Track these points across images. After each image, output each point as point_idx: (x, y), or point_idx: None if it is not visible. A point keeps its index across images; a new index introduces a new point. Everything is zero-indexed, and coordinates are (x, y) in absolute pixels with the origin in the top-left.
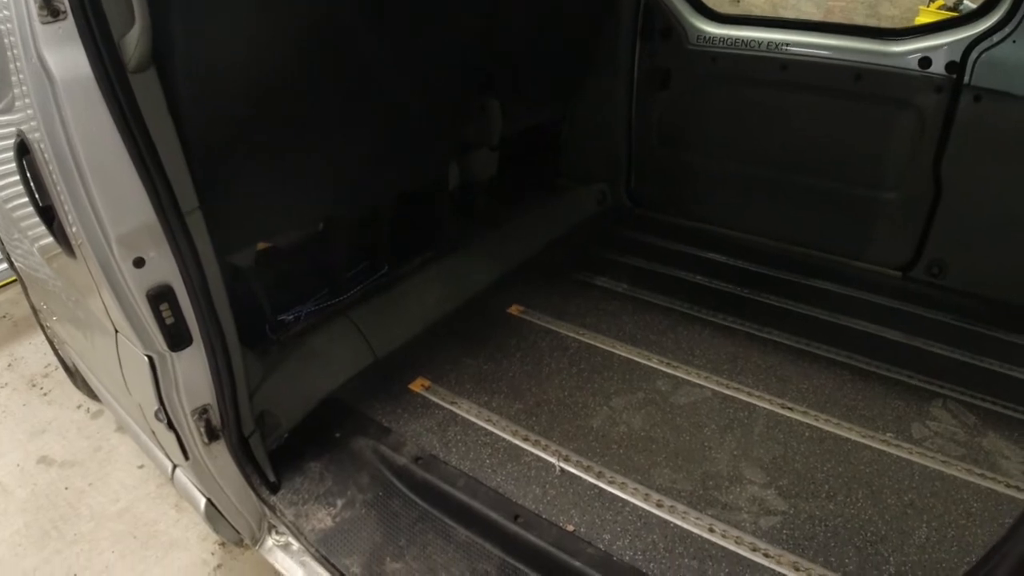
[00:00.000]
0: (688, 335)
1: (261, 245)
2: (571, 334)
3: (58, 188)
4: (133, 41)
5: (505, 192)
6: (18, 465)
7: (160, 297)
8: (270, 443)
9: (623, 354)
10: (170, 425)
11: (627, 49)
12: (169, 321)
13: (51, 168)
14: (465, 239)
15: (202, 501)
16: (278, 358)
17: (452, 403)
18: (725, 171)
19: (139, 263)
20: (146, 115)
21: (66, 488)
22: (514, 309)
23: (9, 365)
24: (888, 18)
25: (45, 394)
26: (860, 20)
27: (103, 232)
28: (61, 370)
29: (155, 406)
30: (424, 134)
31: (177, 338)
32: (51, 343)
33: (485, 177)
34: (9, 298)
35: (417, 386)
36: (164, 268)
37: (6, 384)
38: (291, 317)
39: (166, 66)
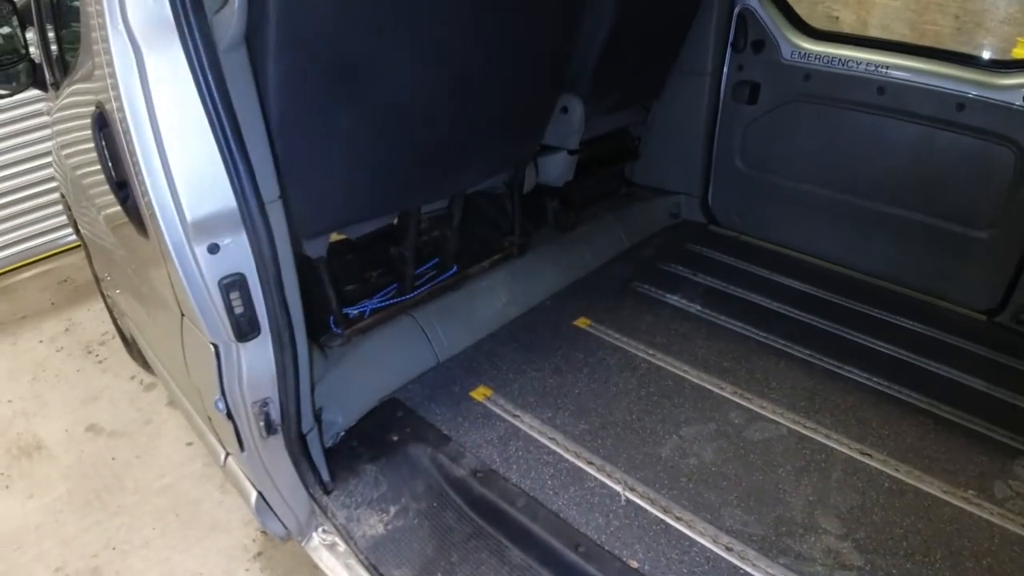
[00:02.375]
0: (763, 365)
1: (334, 236)
2: (640, 353)
3: (136, 166)
4: (228, 20)
5: (577, 197)
6: (66, 431)
7: (232, 286)
8: (326, 440)
9: (695, 380)
10: (229, 415)
11: (716, 59)
12: (239, 311)
13: (131, 144)
14: (535, 243)
15: (253, 494)
16: (341, 353)
17: (514, 416)
18: (809, 194)
19: (214, 249)
20: (234, 96)
21: (112, 459)
22: (582, 321)
23: (67, 329)
24: (983, 46)
25: (100, 361)
26: (949, 42)
27: (179, 214)
28: (118, 339)
29: (216, 395)
30: (506, 132)
31: (246, 329)
32: (111, 312)
33: (561, 182)
34: (72, 263)
35: (479, 394)
36: (239, 256)
37: (62, 348)
38: (356, 311)
39: (256, 42)
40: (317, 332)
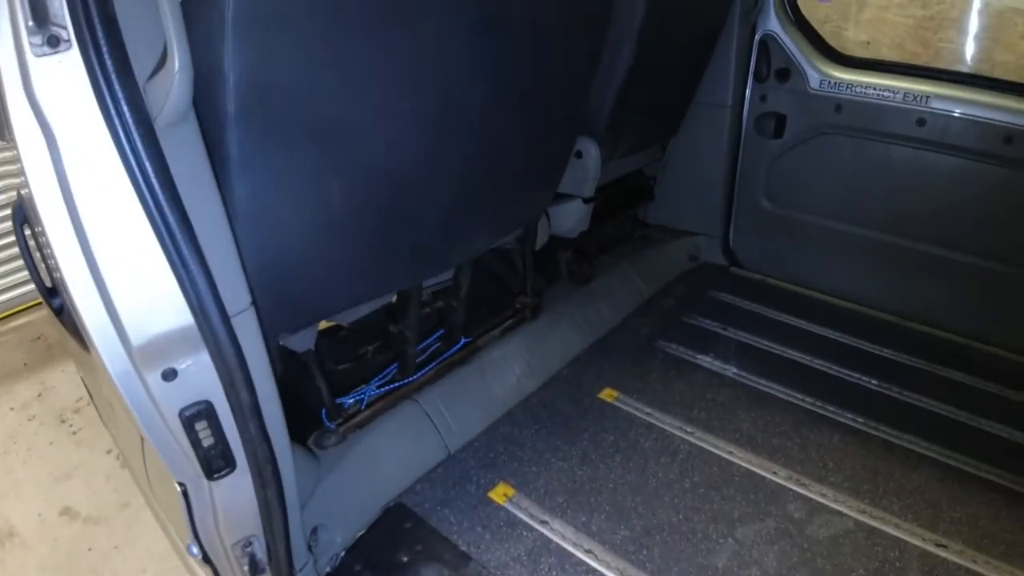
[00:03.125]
0: (816, 440)
1: (323, 324)
2: (678, 432)
3: (60, 278)
4: (166, 85)
5: (591, 245)
6: (39, 515)
7: (197, 417)
8: (324, 565)
9: (743, 464)
10: (206, 559)
11: (737, 90)
12: (208, 443)
13: (50, 250)
14: (549, 301)
15: None
16: (335, 455)
17: (542, 522)
18: (843, 234)
19: (169, 375)
20: (181, 183)
21: (89, 549)
22: (607, 394)
23: (39, 395)
24: (1002, 63)
25: (74, 433)
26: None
27: (121, 338)
28: (92, 407)
29: (188, 539)
30: (519, 187)
31: (217, 465)
32: (83, 381)
33: (575, 233)
34: (45, 317)
35: (499, 494)
36: (203, 381)
37: (34, 417)
38: (352, 400)
39: (207, 108)
40: (306, 430)
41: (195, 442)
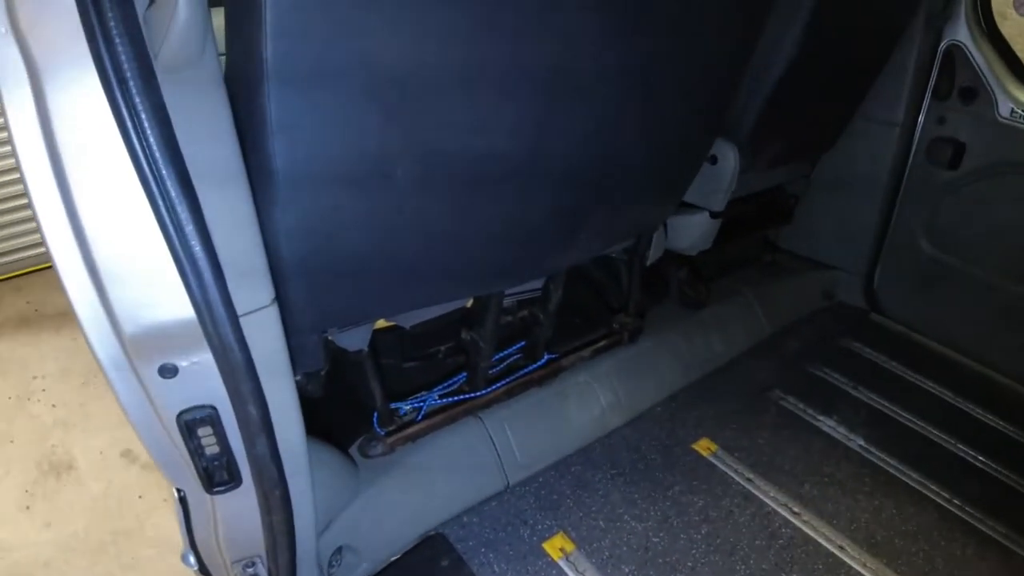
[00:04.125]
0: (948, 549)
1: (381, 323)
2: (782, 510)
3: (47, 245)
4: (169, 11)
5: (710, 266)
6: (101, 452)
7: (199, 423)
8: None
9: (855, 566)
10: (203, 571)
11: (911, 106)
12: (211, 452)
13: (34, 210)
14: (651, 324)
15: None
16: (379, 467)
17: None
18: (1019, 298)
19: (169, 372)
20: (190, 141)
21: (140, 496)
22: (704, 445)
23: None
24: None
25: None
26: None
27: (111, 321)
28: None
29: (184, 547)
30: (639, 192)
31: (220, 479)
32: None
33: (696, 250)
34: None
35: (555, 547)
36: (207, 383)
37: None
38: (409, 407)
39: (238, 48)
40: (353, 434)
41: (195, 451)
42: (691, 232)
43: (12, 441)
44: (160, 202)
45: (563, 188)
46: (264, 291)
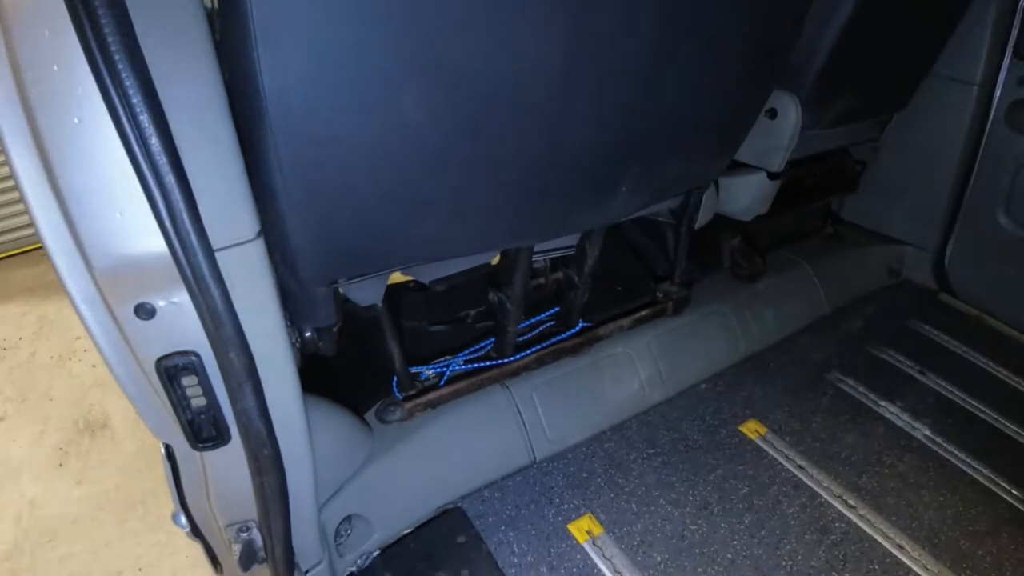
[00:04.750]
0: (1016, 554)
1: (398, 278)
2: (836, 502)
3: (14, 161)
4: None
5: (766, 235)
6: (136, 413)
7: (181, 370)
8: (349, 563)
9: (914, 567)
10: (196, 532)
11: (990, 64)
12: (197, 405)
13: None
14: (699, 296)
15: None
16: (396, 434)
17: None
18: None
19: (146, 312)
20: (156, 45)
21: None
22: (751, 427)
23: None
24: None
25: None
26: None
27: (82, 254)
28: None
29: (174, 506)
30: (687, 143)
31: (206, 433)
32: None
33: (750, 215)
34: None
35: (581, 529)
36: (188, 326)
37: None
38: (431, 372)
39: None
40: (371, 395)
41: (178, 402)
42: (746, 194)
43: (51, 399)
44: (127, 124)
45: (599, 128)
46: (246, 224)
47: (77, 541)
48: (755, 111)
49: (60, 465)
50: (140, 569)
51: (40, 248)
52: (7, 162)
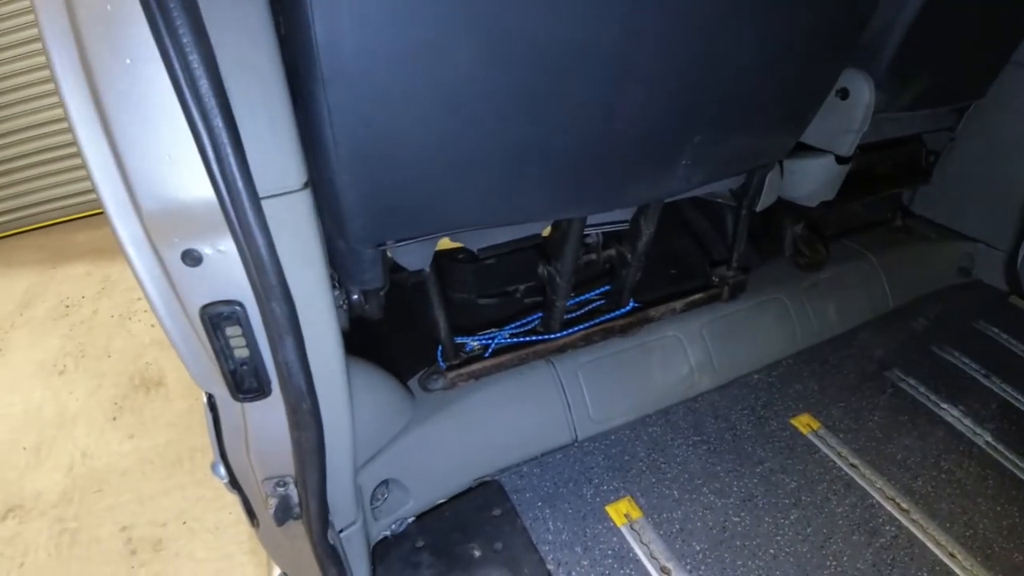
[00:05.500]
0: None
1: (445, 243)
2: (888, 505)
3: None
4: None
5: (831, 223)
6: None
7: (225, 319)
8: (384, 526)
9: None
10: (234, 484)
11: None
12: (240, 356)
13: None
14: (756, 283)
15: (276, 572)
16: (438, 403)
17: (662, 569)
18: None
19: (193, 259)
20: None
21: None
22: (804, 421)
23: None
24: None
25: None
26: None
27: (131, 197)
28: None
29: (214, 456)
30: (749, 118)
31: (248, 385)
32: None
33: (815, 200)
34: None
35: (619, 512)
36: (233, 275)
37: None
38: (477, 343)
39: None
40: (416, 364)
41: (221, 351)
42: (812, 178)
43: (110, 356)
44: (177, 65)
45: (658, 97)
46: (293, 174)
47: (125, 492)
48: (825, 89)
49: (114, 419)
50: (184, 522)
51: (103, 212)
52: (61, 103)
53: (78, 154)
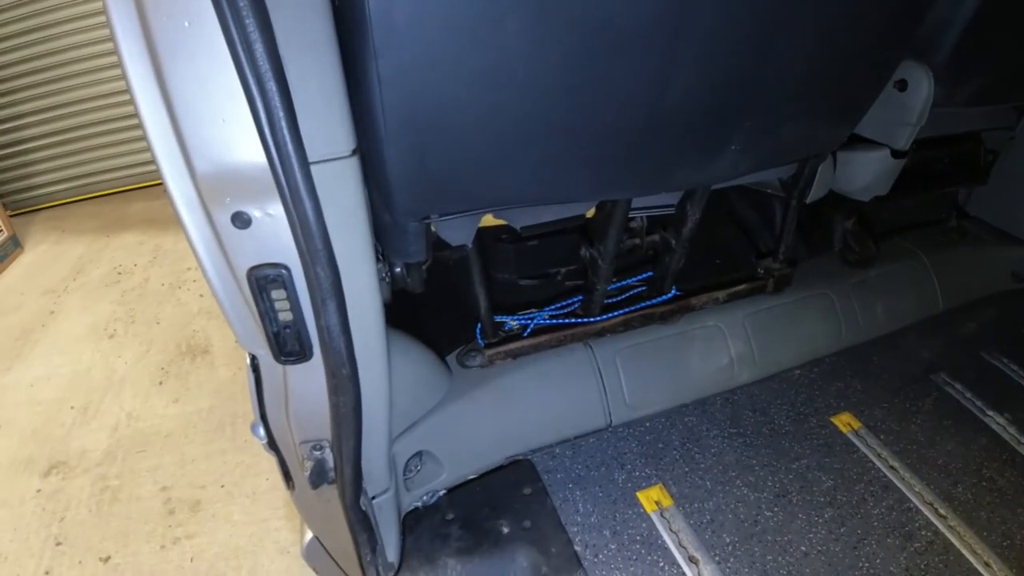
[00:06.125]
0: None
1: (490, 220)
2: (925, 509)
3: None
4: None
5: (882, 220)
6: (235, 342)
7: (271, 282)
8: (416, 497)
9: None
10: (272, 446)
11: None
12: (284, 319)
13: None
14: (803, 277)
15: (308, 535)
16: (475, 379)
17: (690, 559)
18: None
19: (242, 222)
20: None
21: None
22: (845, 420)
23: None
24: None
25: None
26: None
27: (185, 158)
28: None
29: (254, 417)
30: (802, 105)
31: (290, 347)
32: None
33: (869, 195)
34: None
35: (651, 499)
36: (280, 239)
37: None
38: (516, 323)
39: None
40: (456, 340)
41: (266, 313)
42: (866, 172)
43: (158, 323)
44: (233, 28)
45: (709, 78)
46: (343, 140)
47: (167, 454)
48: (882, 79)
49: (160, 383)
50: (223, 486)
51: (158, 184)
52: (121, 67)
53: (135, 126)
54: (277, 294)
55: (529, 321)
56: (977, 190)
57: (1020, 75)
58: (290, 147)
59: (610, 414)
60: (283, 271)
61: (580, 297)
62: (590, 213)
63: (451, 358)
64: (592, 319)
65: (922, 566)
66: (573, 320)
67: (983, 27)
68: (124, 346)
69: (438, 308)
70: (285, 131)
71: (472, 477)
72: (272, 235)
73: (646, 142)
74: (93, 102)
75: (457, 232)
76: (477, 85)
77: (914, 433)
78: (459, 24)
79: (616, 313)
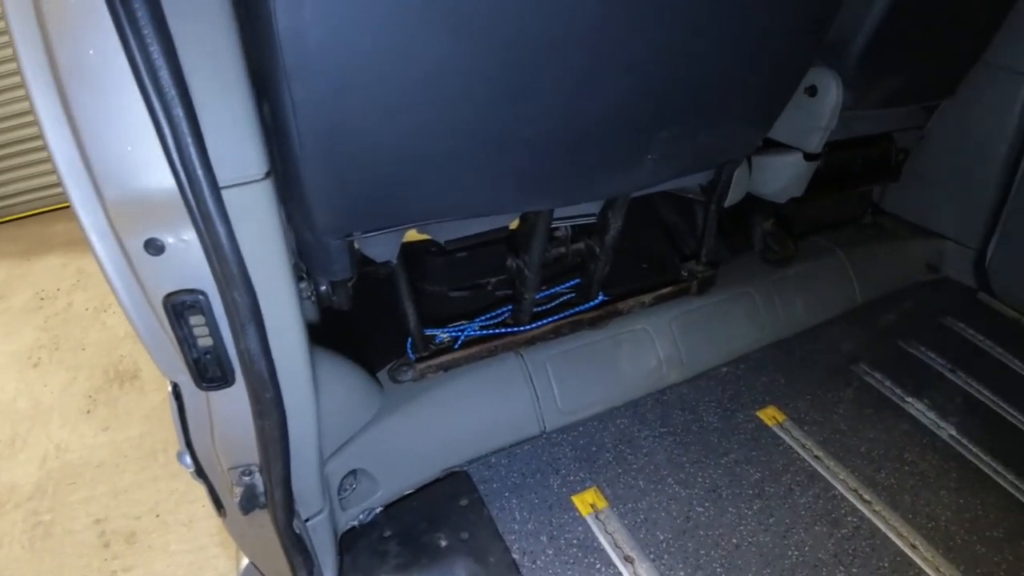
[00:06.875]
0: None
1: (414, 235)
2: (850, 496)
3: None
4: None
5: (800, 219)
6: None
7: (188, 308)
8: (352, 516)
9: (927, 569)
10: (200, 474)
11: None
12: (204, 345)
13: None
14: (725, 278)
15: (243, 561)
16: (407, 394)
17: (626, 559)
18: None
19: (156, 248)
20: None
21: None
22: (770, 414)
23: None
24: None
25: None
26: None
27: (94, 184)
28: None
29: (179, 446)
30: (717, 113)
31: (211, 373)
32: None
33: (784, 197)
34: None
35: (585, 502)
36: (196, 265)
37: None
38: (446, 336)
39: None
40: (387, 356)
41: (184, 339)
42: (780, 175)
43: (84, 349)
44: (138, 56)
45: (624, 90)
46: (254, 163)
47: (99, 485)
48: (791, 86)
49: (88, 412)
50: (158, 516)
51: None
52: (27, 93)
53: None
54: (195, 320)
55: (460, 333)
56: (891, 187)
57: (926, 78)
58: (200, 172)
59: (543, 420)
60: (200, 297)
61: (510, 307)
62: (514, 225)
63: (383, 374)
64: (522, 328)
65: (850, 551)
66: (504, 330)
67: (888, 34)
68: (50, 374)
69: (369, 324)
70: (194, 156)
71: (409, 492)
72: (187, 261)
73: (564, 155)
74: (7, 121)
75: (381, 248)
76: (392, 105)
77: (836, 423)
78: (372, 45)
79: (546, 321)
